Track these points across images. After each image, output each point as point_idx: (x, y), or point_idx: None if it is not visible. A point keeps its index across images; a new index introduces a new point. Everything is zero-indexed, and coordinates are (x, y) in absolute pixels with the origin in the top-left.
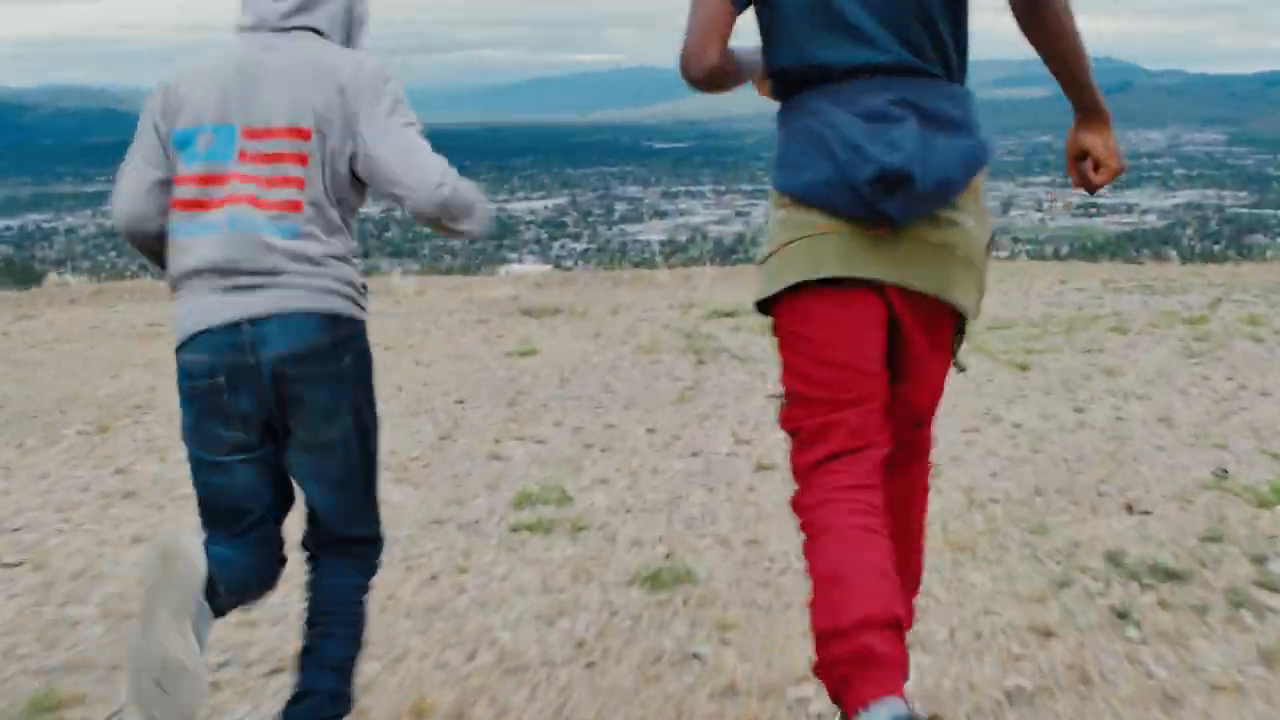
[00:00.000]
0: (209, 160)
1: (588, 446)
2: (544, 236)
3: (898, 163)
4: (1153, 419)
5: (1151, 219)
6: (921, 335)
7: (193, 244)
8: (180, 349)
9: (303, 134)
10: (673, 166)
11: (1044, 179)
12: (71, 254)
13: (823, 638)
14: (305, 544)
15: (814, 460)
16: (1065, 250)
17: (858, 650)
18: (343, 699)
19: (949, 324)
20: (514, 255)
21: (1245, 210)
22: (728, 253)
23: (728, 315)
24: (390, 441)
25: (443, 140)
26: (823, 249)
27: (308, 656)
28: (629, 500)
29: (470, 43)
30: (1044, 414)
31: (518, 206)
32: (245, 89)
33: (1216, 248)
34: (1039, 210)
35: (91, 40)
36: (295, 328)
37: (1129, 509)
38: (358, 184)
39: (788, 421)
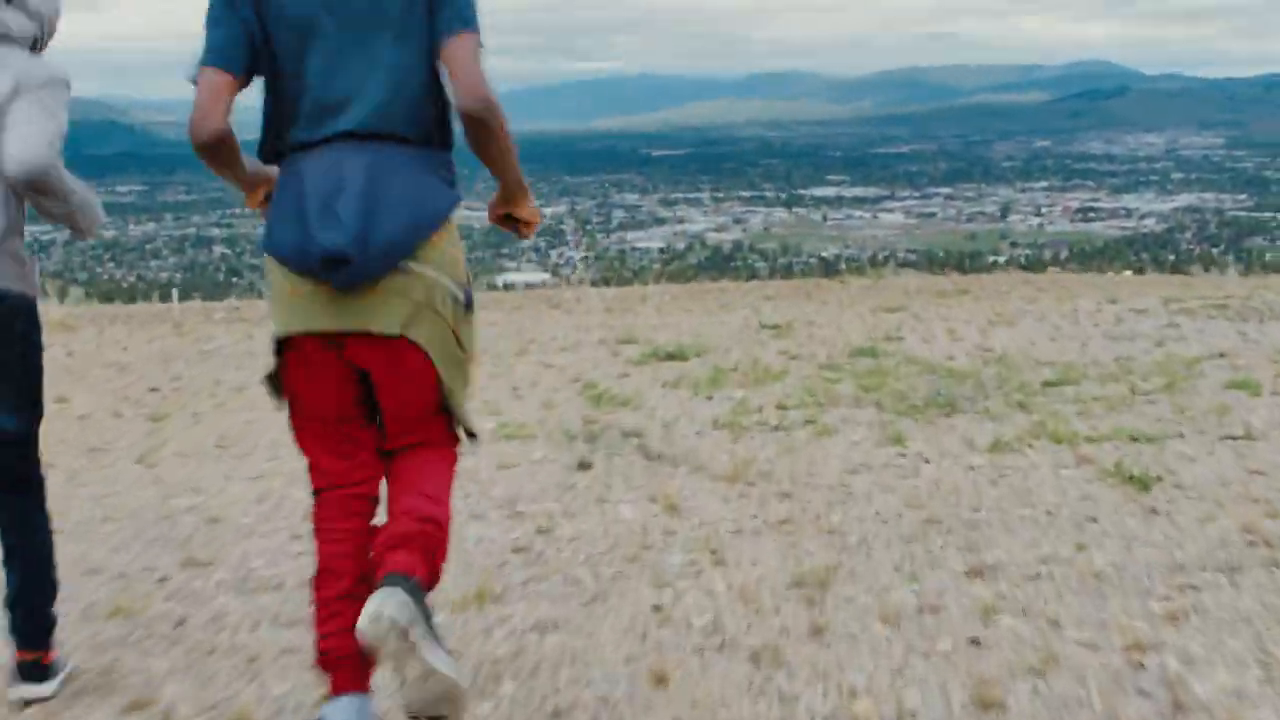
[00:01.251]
0: None
1: None
2: (542, 245)
3: (337, 245)
4: None
5: (1150, 223)
6: (386, 373)
7: None
8: None
9: None
10: (670, 174)
11: (1042, 184)
12: (69, 265)
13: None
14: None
15: (320, 488)
16: (1064, 254)
17: (336, 647)
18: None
19: (420, 358)
20: (512, 264)
21: (1244, 214)
22: (725, 260)
23: (670, 358)
24: None
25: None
26: (288, 303)
27: None
28: None
29: None
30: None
31: None
32: None
33: (1215, 251)
34: (1037, 215)
35: (92, 51)
36: None
37: None
38: None
39: (302, 436)
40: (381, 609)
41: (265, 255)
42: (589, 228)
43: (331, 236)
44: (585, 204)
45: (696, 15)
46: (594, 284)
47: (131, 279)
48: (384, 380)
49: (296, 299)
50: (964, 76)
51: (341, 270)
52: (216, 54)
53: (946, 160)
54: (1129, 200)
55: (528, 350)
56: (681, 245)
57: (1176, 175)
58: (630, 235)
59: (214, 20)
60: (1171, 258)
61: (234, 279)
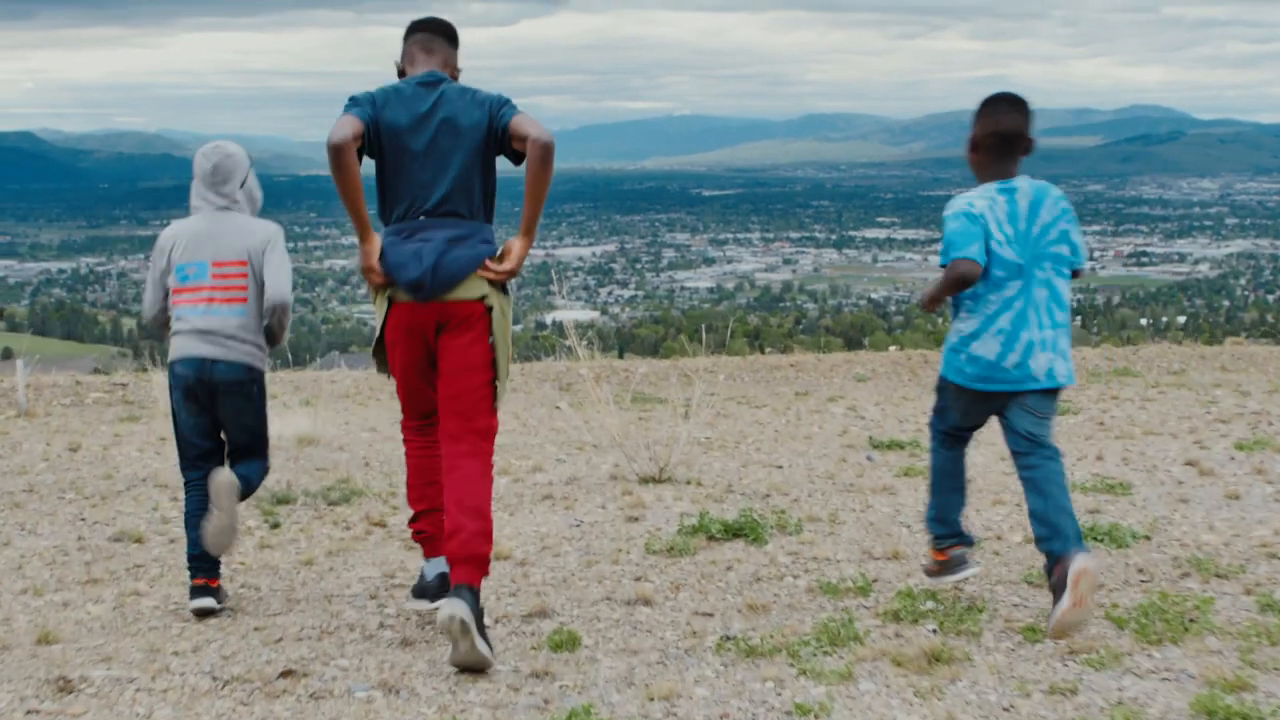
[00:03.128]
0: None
1: None
2: (591, 283)
3: (417, 276)
4: None
5: (1204, 268)
6: (460, 355)
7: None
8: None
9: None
10: (721, 214)
11: (1095, 228)
12: (123, 297)
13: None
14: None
15: (408, 430)
16: (1117, 299)
17: (427, 529)
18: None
19: (482, 335)
20: (561, 302)
21: None
22: (775, 300)
23: (731, 534)
24: None
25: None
26: (391, 297)
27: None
28: None
29: (525, 90)
30: None
31: (566, 253)
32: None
33: (1271, 297)
34: (1090, 259)
35: (150, 86)
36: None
37: None
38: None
39: (405, 411)
40: (454, 611)
41: (392, 276)
42: (638, 266)
43: (414, 274)
44: (635, 243)
45: (748, 57)
46: (621, 347)
47: None
48: (449, 362)
49: (400, 303)
50: None
51: (420, 291)
52: (355, 110)
53: None
54: (1182, 245)
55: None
56: (731, 285)
57: (1230, 220)
58: (680, 275)
59: (354, 100)
60: (1226, 304)
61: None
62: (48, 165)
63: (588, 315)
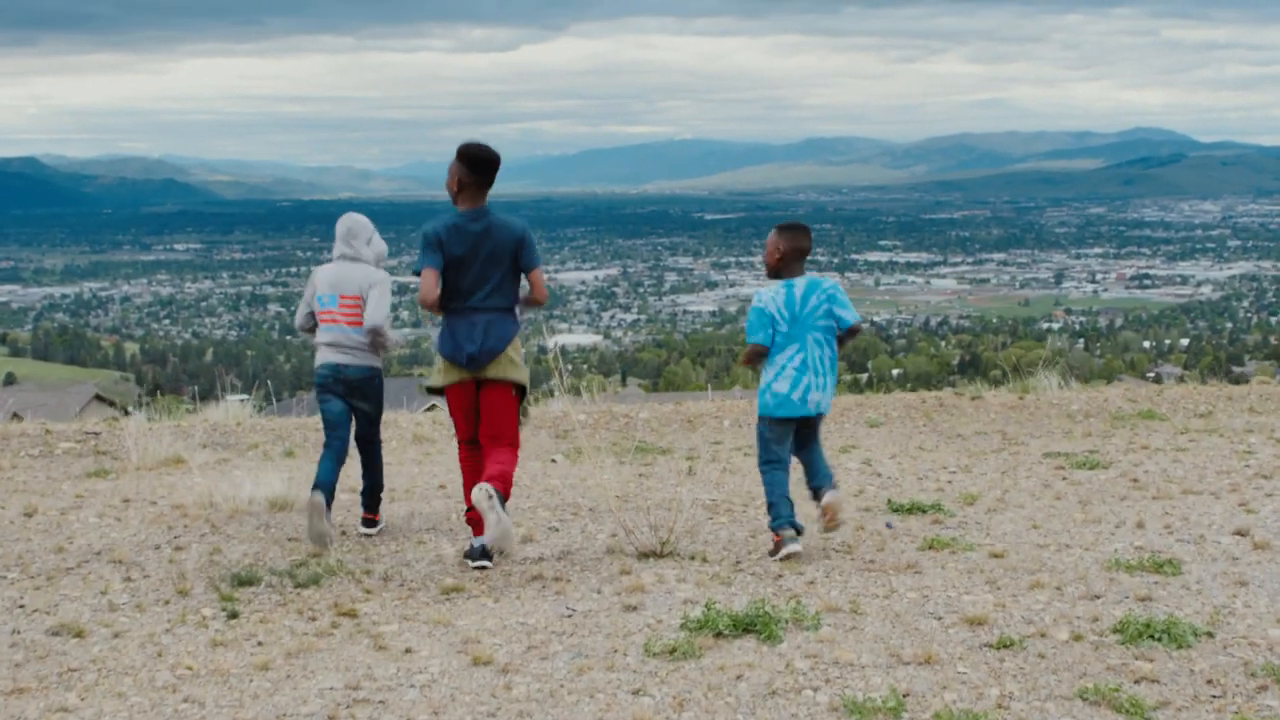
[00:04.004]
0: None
1: None
2: (594, 307)
3: (471, 351)
4: None
5: (1206, 291)
6: (494, 396)
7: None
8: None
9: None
10: (723, 237)
11: (1096, 251)
12: (126, 322)
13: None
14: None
15: (462, 444)
16: (1120, 322)
17: (474, 515)
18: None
19: (509, 389)
20: (564, 325)
21: None
22: None
23: None
24: None
25: (497, 209)
26: (450, 372)
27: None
28: None
29: (526, 114)
30: None
31: (568, 277)
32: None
33: (1274, 320)
34: (1092, 282)
35: (154, 112)
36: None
37: None
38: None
39: (458, 432)
40: (482, 487)
41: (438, 354)
42: (641, 290)
43: (469, 349)
44: (638, 266)
45: (748, 81)
46: (624, 371)
47: (186, 335)
48: (489, 399)
49: (452, 371)
50: (1016, 143)
51: (470, 363)
52: (433, 261)
53: (999, 226)
54: (1185, 267)
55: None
56: (733, 309)
57: (1233, 243)
58: (682, 298)
59: (427, 248)
60: (1229, 326)
61: (288, 336)
62: (51, 190)
63: (590, 339)
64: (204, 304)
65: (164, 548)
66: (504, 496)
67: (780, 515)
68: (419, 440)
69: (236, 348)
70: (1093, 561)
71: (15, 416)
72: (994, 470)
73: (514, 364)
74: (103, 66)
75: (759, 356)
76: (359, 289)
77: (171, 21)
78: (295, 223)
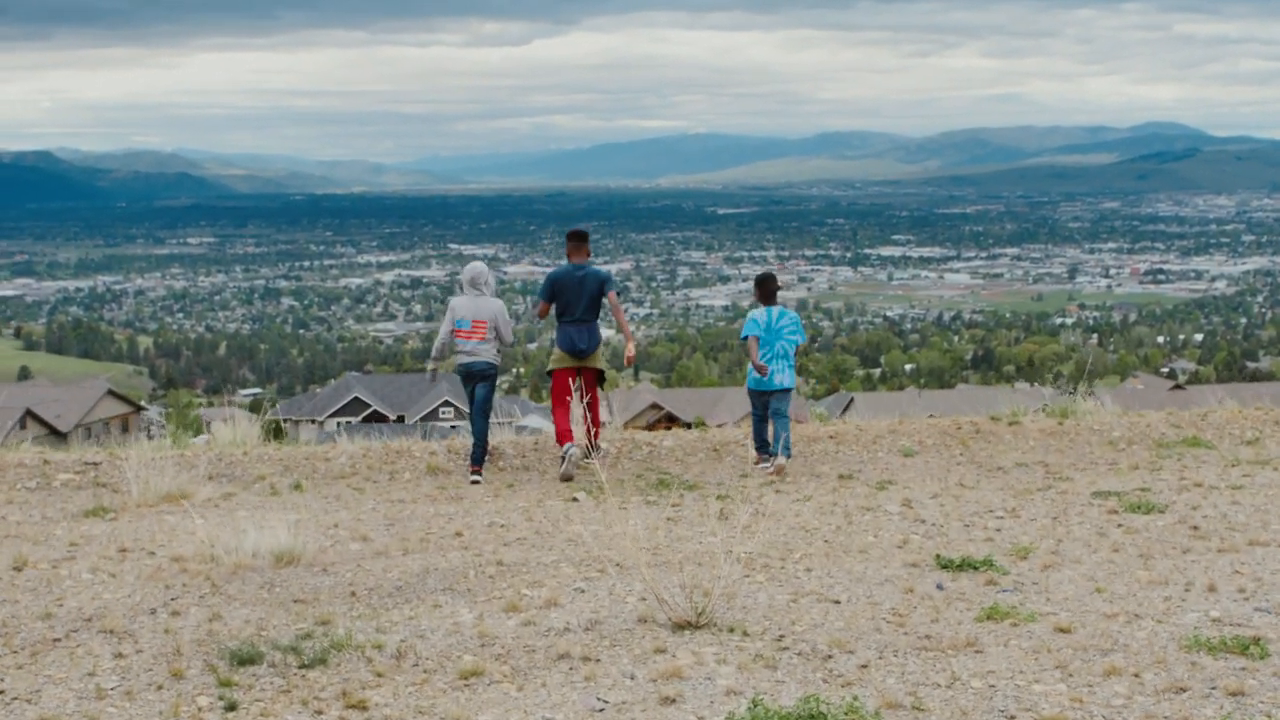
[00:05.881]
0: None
1: None
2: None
3: (583, 347)
4: None
5: (1221, 285)
6: (588, 374)
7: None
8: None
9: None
10: (736, 232)
11: (1110, 246)
12: (139, 315)
13: (560, 433)
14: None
15: (561, 401)
16: (1134, 317)
17: (565, 436)
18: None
19: (594, 372)
20: None
21: None
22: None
23: None
24: None
25: (511, 204)
26: (563, 358)
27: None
28: None
29: (538, 109)
30: None
31: None
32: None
33: None
34: (1105, 277)
35: (167, 106)
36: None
37: None
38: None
39: (558, 395)
40: (569, 448)
41: (556, 347)
42: (654, 284)
43: (581, 347)
44: (650, 260)
45: (761, 75)
46: (637, 368)
47: (200, 329)
48: (585, 377)
49: (566, 358)
50: (1030, 138)
51: (580, 354)
52: (544, 296)
53: (1013, 221)
54: (1199, 262)
55: None
56: (746, 303)
57: (1247, 238)
58: (695, 293)
59: (547, 288)
60: (1244, 321)
61: (301, 330)
62: (66, 184)
63: (604, 334)
64: (217, 297)
65: (160, 612)
66: (596, 437)
67: (759, 446)
68: (434, 472)
69: (250, 341)
70: (1169, 638)
71: (29, 414)
72: (1043, 514)
73: (600, 359)
74: (116, 60)
75: (754, 344)
76: (488, 316)
77: (184, 15)
78: (309, 216)
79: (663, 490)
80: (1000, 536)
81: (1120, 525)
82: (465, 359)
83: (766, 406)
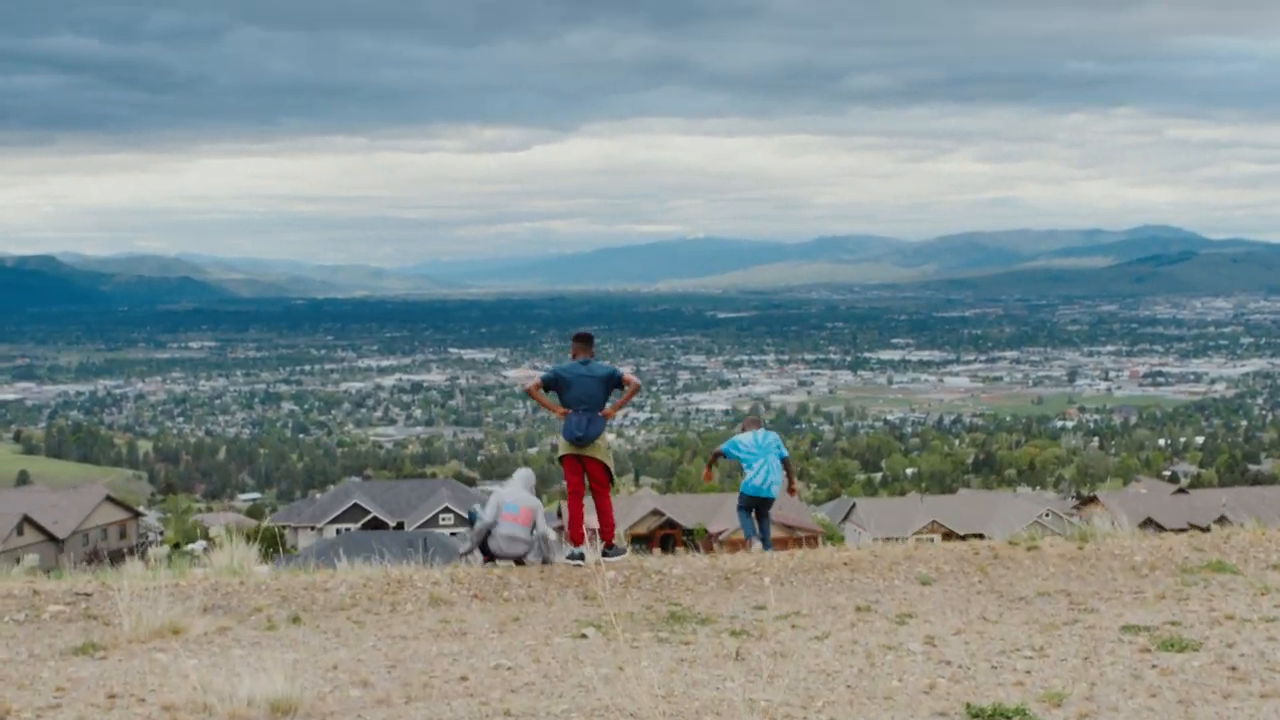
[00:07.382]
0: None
1: None
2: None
3: (580, 435)
4: None
5: (1220, 388)
6: (594, 466)
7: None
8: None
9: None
10: (736, 336)
11: (1109, 348)
12: (139, 420)
13: (573, 536)
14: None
15: (572, 493)
16: (1134, 420)
17: (578, 539)
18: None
19: (600, 465)
20: None
21: None
22: (791, 423)
23: None
24: None
25: (511, 308)
26: (567, 446)
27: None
28: None
29: (538, 213)
30: None
31: None
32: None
33: None
34: (1105, 379)
35: (169, 211)
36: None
37: None
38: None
39: (570, 486)
40: (581, 557)
41: (562, 436)
42: (654, 389)
43: (579, 435)
44: (651, 365)
45: (758, 180)
46: (638, 471)
47: (200, 433)
48: (590, 468)
49: (569, 446)
50: (1026, 241)
51: (579, 442)
52: (547, 383)
53: (1011, 324)
54: (1198, 364)
55: None
56: (746, 408)
57: (1246, 339)
58: (695, 397)
59: (549, 379)
60: (1244, 423)
61: (301, 434)
62: (68, 289)
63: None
64: (217, 401)
65: None
66: (615, 547)
67: (748, 533)
68: (437, 603)
69: (249, 445)
70: None
71: (26, 520)
72: (1073, 653)
73: (605, 449)
74: (119, 166)
75: (728, 462)
76: (534, 507)
77: (187, 121)
78: (310, 320)
79: (674, 625)
80: (1030, 680)
81: (1154, 666)
82: (508, 530)
83: (756, 509)
